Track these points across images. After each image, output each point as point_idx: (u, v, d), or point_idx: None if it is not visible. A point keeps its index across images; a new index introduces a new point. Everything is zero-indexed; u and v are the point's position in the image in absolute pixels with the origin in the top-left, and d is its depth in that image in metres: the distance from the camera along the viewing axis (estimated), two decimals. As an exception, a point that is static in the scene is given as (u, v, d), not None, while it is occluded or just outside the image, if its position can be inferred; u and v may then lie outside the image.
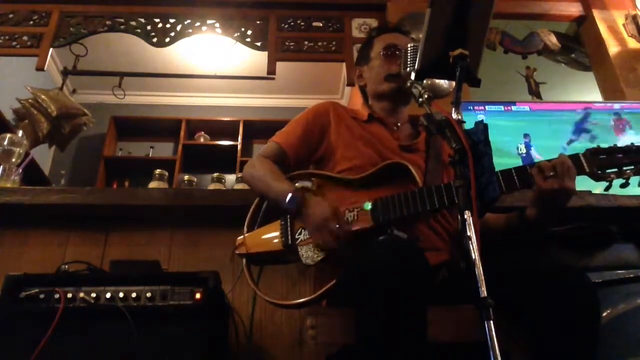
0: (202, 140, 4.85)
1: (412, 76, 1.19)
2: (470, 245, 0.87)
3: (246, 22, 3.19)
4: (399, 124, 1.53)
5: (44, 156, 4.49)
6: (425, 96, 1.13)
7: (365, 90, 1.61)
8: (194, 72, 4.59)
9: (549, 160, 1.15)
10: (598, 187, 1.28)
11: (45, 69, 3.03)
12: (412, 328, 0.95)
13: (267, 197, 1.38)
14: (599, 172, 1.13)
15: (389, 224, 1.19)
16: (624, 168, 1.12)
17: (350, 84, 3.07)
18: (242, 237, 1.37)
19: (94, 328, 1.21)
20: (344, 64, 3.10)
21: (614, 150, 1.15)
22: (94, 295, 1.24)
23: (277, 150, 1.46)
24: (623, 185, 1.13)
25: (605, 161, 1.14)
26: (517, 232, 1.32)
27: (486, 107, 2.35)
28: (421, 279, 0.99)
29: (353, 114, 1.54)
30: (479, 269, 0.84)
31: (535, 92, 3.45)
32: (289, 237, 1.28)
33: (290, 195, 1.27)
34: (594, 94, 3.36)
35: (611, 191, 1.15)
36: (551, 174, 1.13)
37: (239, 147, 4.73)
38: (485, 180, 1.01)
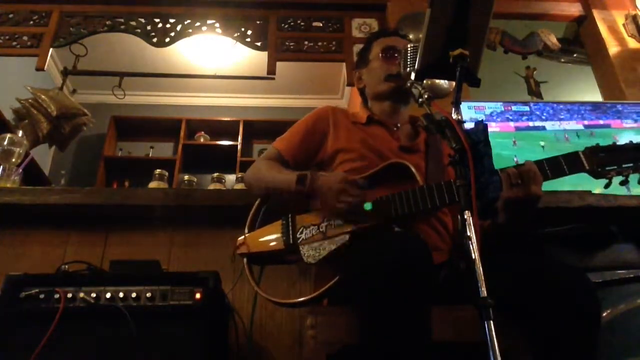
0: (202, 140, 4.85)
1: (412, 76, 1.19)
2: (470, 245, 0.87)
3: (246, 22, 3.19)
4: (398, 125, 1.54)
5: (44, 156, 4.49)
6: (425, 96, 1.13)
7: (365, 93, 1.62)
8: (194, 72, 4.59)
9: (516, 167, 1.16)
10: (598, 188, 1.28)
11: (45, 69, 3.02)
12: (417, 326, 0.95)
13: (274, 189, 1.37)
14: (599, 169, 1.14)
15: (390, 222, 1.19)
16: (624, 165, 1.13)
17: (350, 84, 3.06)
18: (243, 237, 1.37)
19: (94, 328, 1.21)
20: (344, 64, 3.10)
21: (613, 148, 1.16)
22: (94, 295, 1.24)
23: (277, 155, 1.47)
24: (622, 183, 1.14)
25: (605, 159, 1.14)
26: (492, 236, 1.31)
27: (486, 107, 2.35)
28: (427, 275, 0.99)
29: (352, 118, 1.55)
30: (479, 269, 0.84)
31: (535, 92, 3.44)
32: (291, 236, 1.28)
33: (297, 176, 1.28)
34: (594, 94, 3.36)
35: (611, 189, 1.16)
36: (517, 181, 1.13)
37: (239, 147, 4.73)
38: (486, 181, 1.01)
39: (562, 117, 2.30)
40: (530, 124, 2.29)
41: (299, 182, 1.27)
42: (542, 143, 2.23)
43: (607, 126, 2.30)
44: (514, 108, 2.32)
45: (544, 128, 2.27)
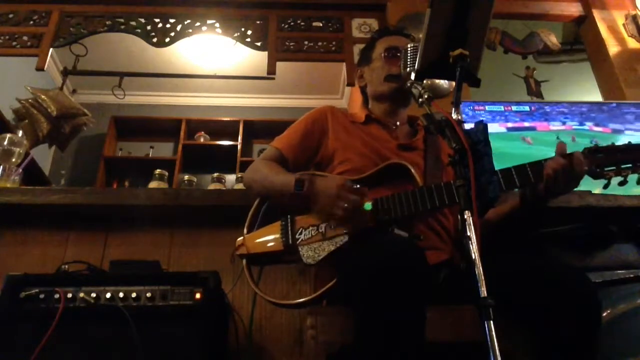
0: (202, 140, 4.84)
1: (412, 76, 1.19)
2: (470, 245, 0.87)
3: (246, 22, 3.19)
4: (397, 123, 1.54)
5: (44, 156, 4.48)
6: (425, 96, 1.14)
7: (366, 91, 1.62)
8: (194, 72, 4.59)
9: (563, 156, 1.16)
10: (598, 188, 1.28)
11: (45, 69, 3.02)
12: (411, 327, 0.95)
13: (272, 191, 1.37)
14: (598, 170, 1.14)
15: (389, 223, 1.19)
16: (622, 166, 1.13)
17: (350, 84, 3.06)
18: (242, 238, 1.37)
19: (94, 328, 1.21)
20: (344, 64, 3.10)
21: (612, 148, 1.16)
22: (94, 295, 1.24)
23: (276, 155, 1.47)
24: (621, 183, 1.14)
25: (604, 159, 1.15)
26: (492, 235, 1.32)
27: (486, 107, 2.34)
28: (421, 277, 0.99)
29: (351, 118, 1.55)
30: (479, 269, 0.84)
31: (535, 93, 3.44)
32: (290, 237, 1.28)
33: (295, 180, 1.28)
34: (594, 94, 3.36)
35: (610, 189, 1.16)
36: (564, 172, 1.14)
37: (239, 147, 4.72)
38: (485, 181, 1.01)
39: (482, 119, 2.22)
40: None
41: (296, 186, 1.27)
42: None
43: (533, 128, 2.20)
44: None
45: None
